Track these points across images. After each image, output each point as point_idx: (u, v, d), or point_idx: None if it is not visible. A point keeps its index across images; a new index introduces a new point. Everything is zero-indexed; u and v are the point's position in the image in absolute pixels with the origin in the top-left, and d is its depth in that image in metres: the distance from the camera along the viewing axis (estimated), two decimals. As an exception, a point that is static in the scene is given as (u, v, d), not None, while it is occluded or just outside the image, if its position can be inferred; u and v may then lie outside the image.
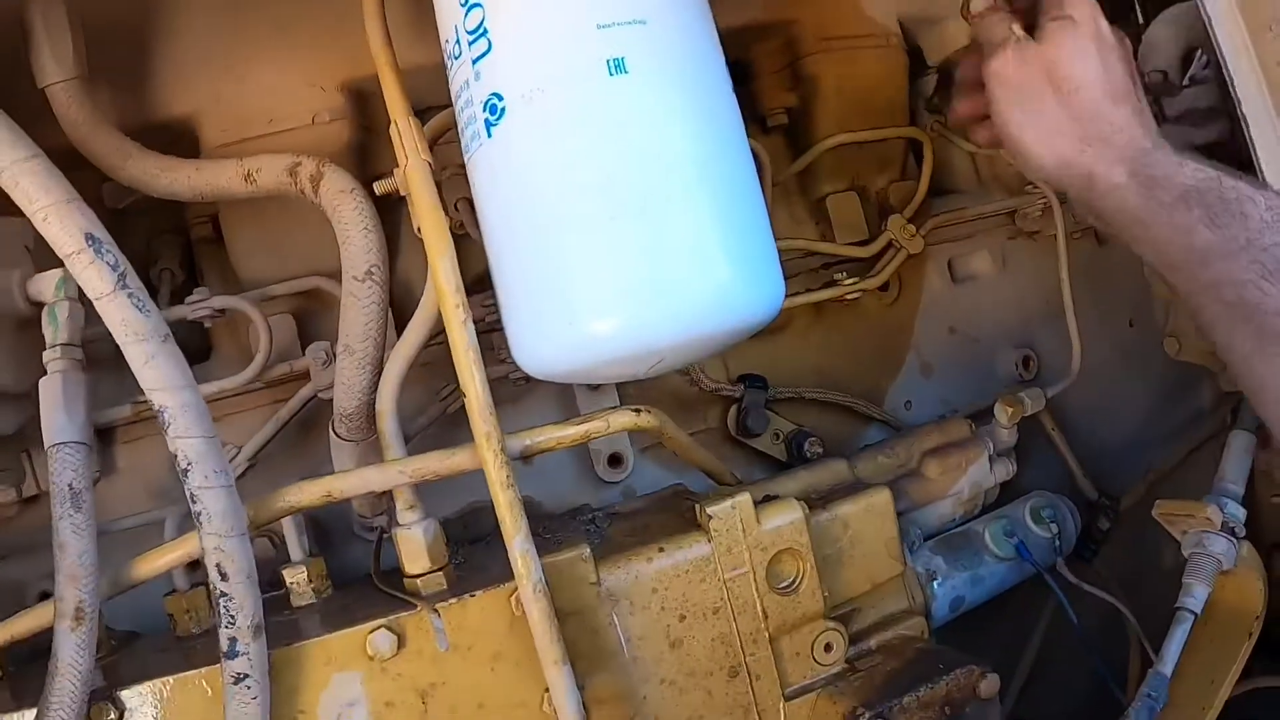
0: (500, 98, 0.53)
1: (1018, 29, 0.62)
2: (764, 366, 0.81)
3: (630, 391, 0.78)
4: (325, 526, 0.76)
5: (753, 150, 0.79)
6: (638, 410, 0.60)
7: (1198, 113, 0.78)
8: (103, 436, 0.74)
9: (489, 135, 0.54)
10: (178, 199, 0.67)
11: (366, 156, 0.74)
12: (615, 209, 0.51)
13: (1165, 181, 0.57)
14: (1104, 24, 0.61)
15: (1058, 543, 0.77)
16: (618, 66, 0.51)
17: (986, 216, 0.90)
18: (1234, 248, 0.54)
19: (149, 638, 0.68)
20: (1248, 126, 0.69)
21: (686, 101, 0.53)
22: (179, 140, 0.71)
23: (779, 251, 0.83)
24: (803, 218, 0.87)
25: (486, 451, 0.55)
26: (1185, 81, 0.79)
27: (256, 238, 0.73)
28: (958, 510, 0.77)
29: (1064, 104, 0.60)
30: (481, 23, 0.54)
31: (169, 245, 0.78)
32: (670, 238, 0.51)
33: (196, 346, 0.77)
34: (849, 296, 0.82)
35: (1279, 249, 0.53)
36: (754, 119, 0.87)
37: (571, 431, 0.59)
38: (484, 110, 0.54)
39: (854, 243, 0.84)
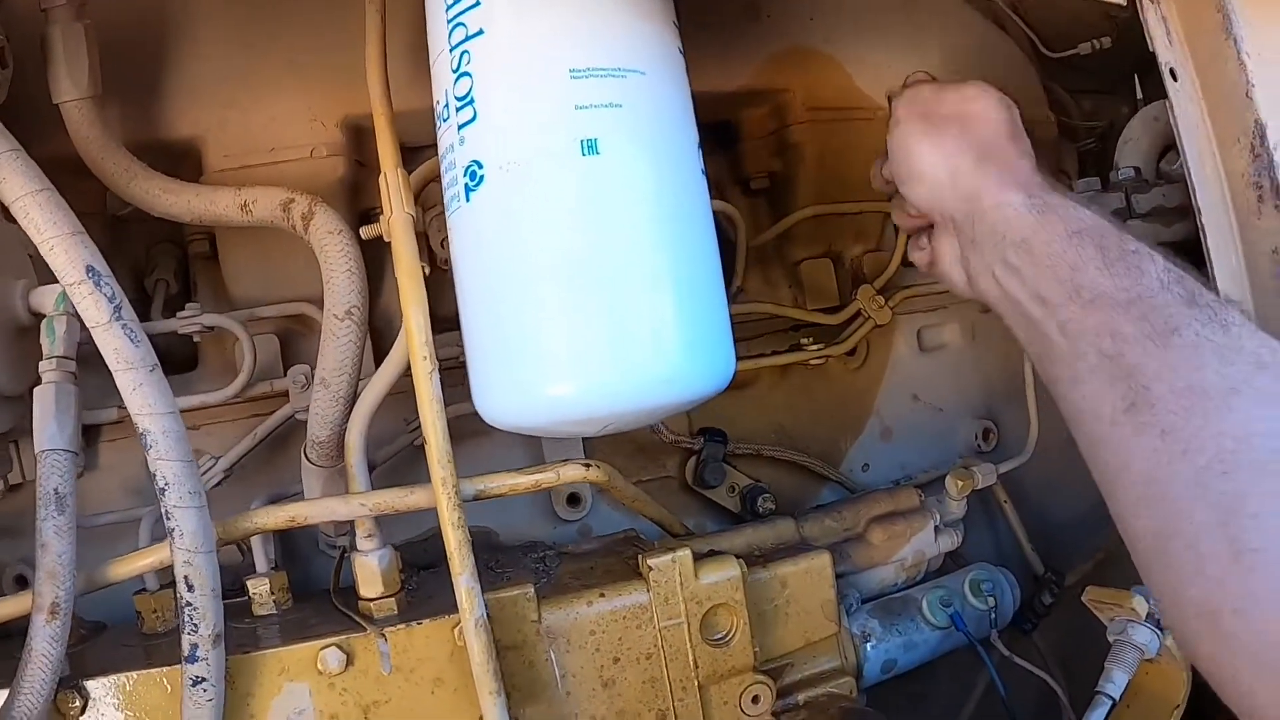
0: (481, 165, 0.60)
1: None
2: (726, 421, 0.88)
3: (595, 438, 0.84)
4: (293, 539, 0.83)
5: (727, 214, 0.87)
6: (587, 464, 0.67)
7: (1167, 211, 0.83)
8: (88, 434, 0.81)
9: (467, 200, 0.60)
10: (177, 220, 0.74)
11: (360, 190, 0.81)
12: (578, 282, 0.58)
13: (1061, 213, 0.55)
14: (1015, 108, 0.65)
15: (993, 615, 0.83)
16: (590, 147, 0.58)
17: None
18: (1124, 298, 0.50)
19: (116, 630, 0.75)
20: (1205, 236, 0.74)
21: (654, 184, 0.59)
22: (183, 159, 0.79)
23: (749, 315, 0.90)
24: (777, 280, 0.93)
25: (441, 495, 0.62)
26: (1157, 178, 0.84)
27: (249, 260, 0.79)
28: (900, 576, 0.84)
29: (967, 131, 0.61)
30: (469, 91, 0.60)
31: (166, 256, 0.85)
32: (628, 314, 0.58)
33: (185, 355, 0.84)
34: (813, 362, 0.88)
35: (1171, 313, 0.49)
36: (737, 180, 0.94)
37: (523, 480, 0.66)
38: (465, 175, 0.60)
39: (824, 309, 0.91)
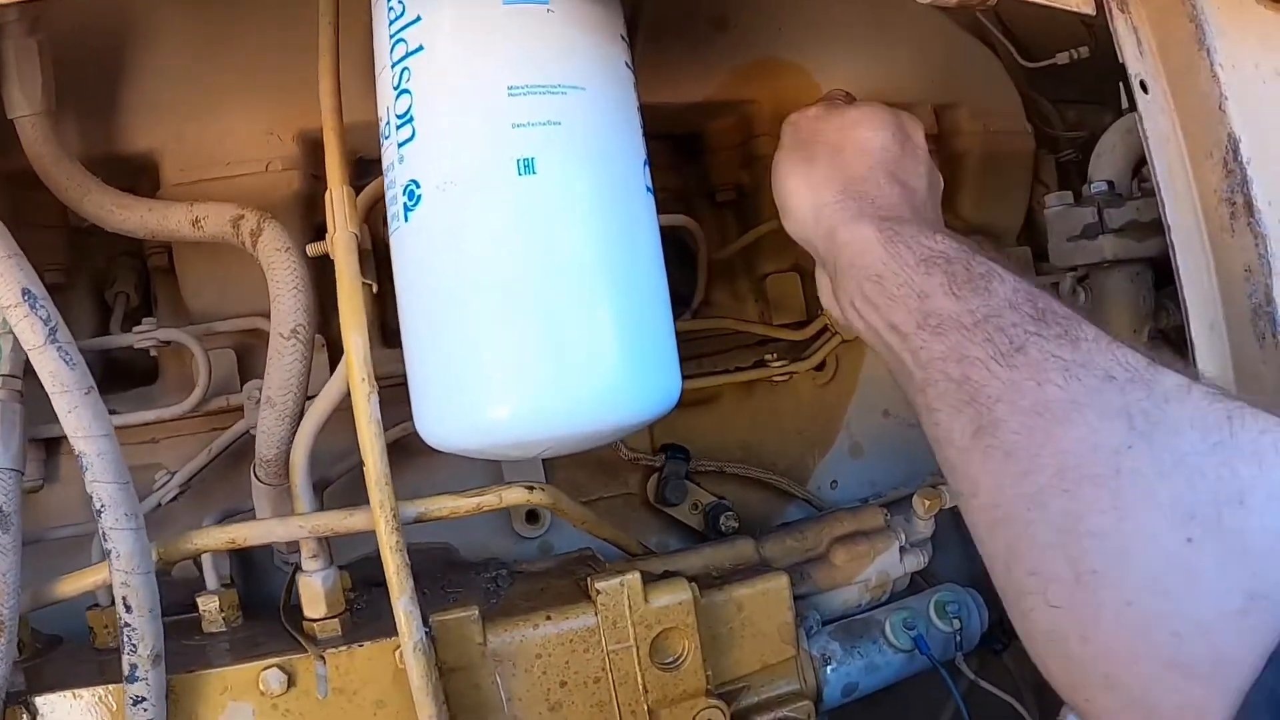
0: (418, 185, 0.59)
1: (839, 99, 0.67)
2: (690, 438, 0.87)
3: (554, 452, 0.83)
4: (252, 555, 0.83)
5: (688, 227, 0.85)
6: (531, 487, 0.66)
7: (1141, 225, 0.81)
8: (48, 446, 0.81)
9: (406, 219, 0.60)
10: (132, 235, 0.73)
11: (315, 205, 0.80)
12: (515, 304, 0.57)
13: (911, 242, 0.55)
14: (914, 127, 0.65)
15: (959, 638, 0.82)
16: (527, 166, 0.57)
17: (930, 305, 0.94)
18: (970, 321, 0.50)
19: (70, 645, 0.76)
20: (1175, 253, 0.72)
21: (593, 203, 0.58)
22: (141, 174, 0.78)
23: (713, 330, 0.89)
24: (744, 294, 0.92)
25: (380, 517, 0.61)
26: (1134, 192, 0.82)
27: (205, 274, 0.79)
28: (864, 596, 0.82)
29: (837, 162, 0.62)
30: (409, 109, 0.59)
31: (126, 269, 0.85)
32: (566, 336, 0.57)
33: (145, 368, 0.84)
34: (778, 378, 0.87)
35: (1017, 332, 0.48)
36: (704, 193, 0.92)
37: (464, 503, 0.65)
38: (404, 194, 0.60)
39: (790, 324, 0.89)
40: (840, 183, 0.61)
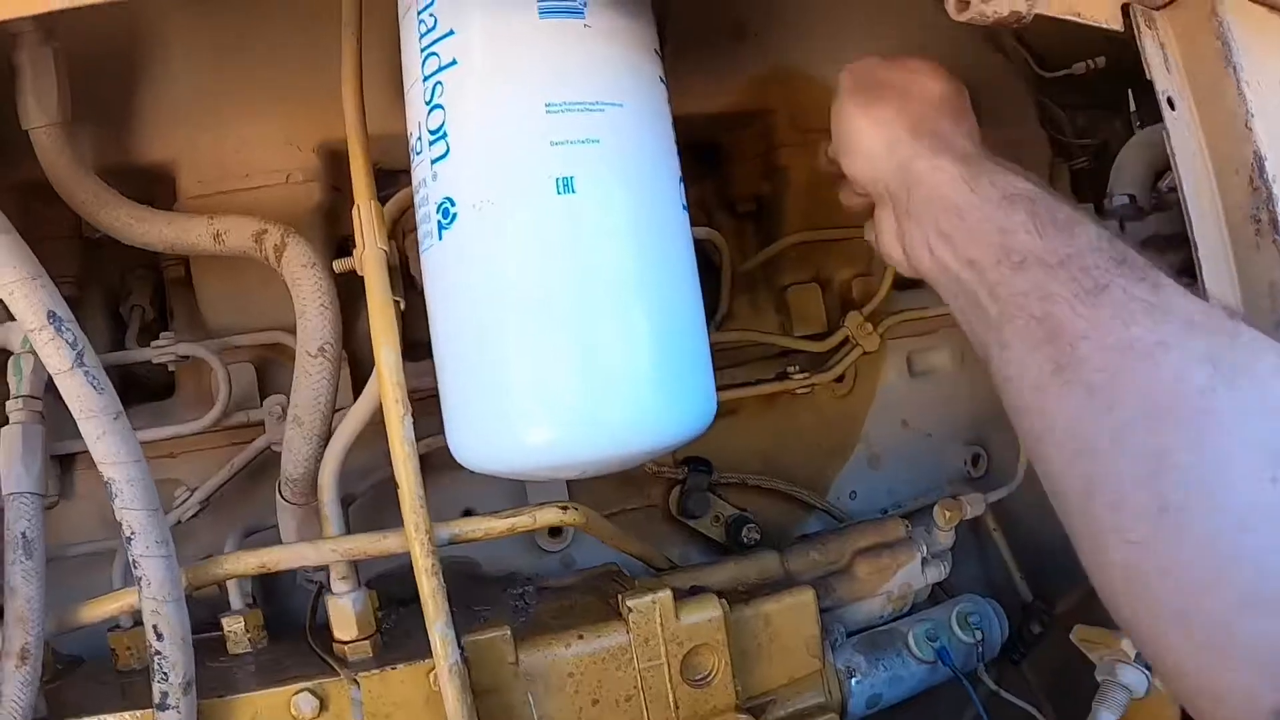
0: (453, 203, 0.58)
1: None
2: (711, 450, 0.86)
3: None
4: (273, 574, 0.81)
5: (711, 240, 0.84)
6: (565, 507, 0.65)
7: (1162, 239, 0.81)
8: (63, 462, 0.79)
9: (440, 238, 0.58)
10: (149, 249, 0.72)
11: (336, 217, 0.79)
12: (552, 325, 0.56)
13: (994, 177, 0.54)
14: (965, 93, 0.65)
15: (980, 649, 0.82)
16: (566, 185, 0.56)
17: (947, 314, 0.93)
18: (1054, 260, 0.49)
19: (91, 665, 0.74)
20: (1200, 268, 0.72)
21: (631, 223, 0.57)
22: (157, 183, 0.77)
23: (734, 342, 0.88)
24: (764, 306, 0.91)
25: (414, 541, 0.60)
26: (1152, 203, 0.82)
27: (224, 288, 0.77)
28: (887, 608, 0.82)
29: (906, 102, 0.61)
30: (442, 125, 0.58)
31: (141, 281, 0.83)
32: (605, 359, 0.56)
33: (162, 382, 0.82)
34: (799, 390, 0.86)
35: (1101, 273, 0.48)
36: (724, 204, 0.91)
37: (499, 524, 0.64)
38: (437, 212, 0.58)
39: (811, 336, 0.89)
40: (911, 119, 0.60)
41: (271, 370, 0.80)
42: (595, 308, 0.56)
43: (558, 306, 0.56)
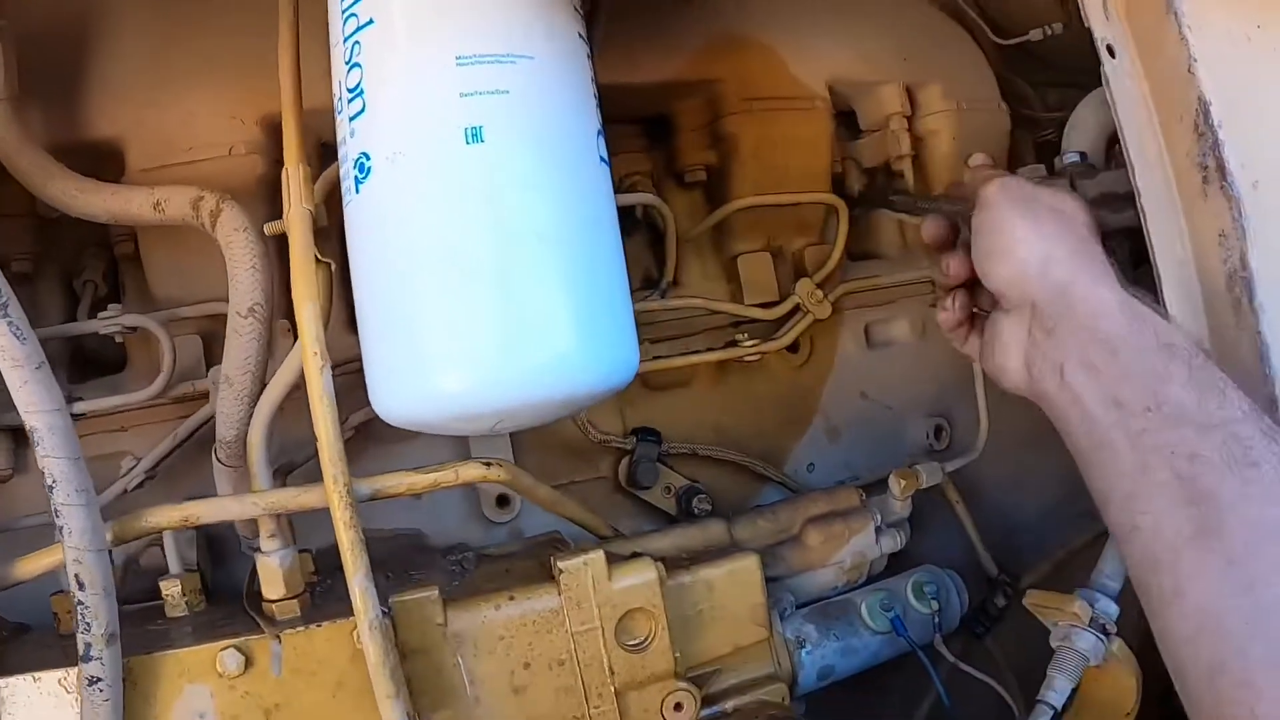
0: (368, 157, 0.59)
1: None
2: (663, 420, 0.86)
3: (524, 437, 0.83)
4: (222, 541, 0.83)
5: (656, 207, 0.85)
6: (488, 463, 0.65)
7: (1115, 197, 0.80)
8: (17, 436, 0.81)
9: (357, 192, 0.60)
10: (95, 220, 0.74)
11: (279, 189, 0.80)
12: (465, 273, 0.57)
13: (1154, 322, 0.55)
14: None
15: (937, 620, 0.80)
16: (474, 135, 0.57)
17: (905, 284, 0.93)
18: (1207, 421, 0.49)
19: (37, 632, 0.76)
20: (1146, 220, 0.71)
21: (542, 171, 0.58)
22: (106, 160, 0.79)
23: (682, 310, 0.88)
24: (714, 275, 0.91)
25: (333, 494, 0.61)
26: (1108, 163, 0.81)
27: (170, 260, 0.79)
28: (840, 579, 0.81)
29: (1066, 224, 0.60)
30: (359, 83, 0.60)
31: (94, 258, 0.85)
32: (516, 305, 0.57)
33: (114, 357, 0.84)
34: (748, 358, 0.86)
35: (1253, 445, 0.48)
36: (672, 174, 0.92)
37: (420, 479, 0.64)
38: (355, 168, 0.60)
39: (761, 304, 0.89)
40: (1071, 242, 0.60)
41: (217, 341, 0.81)
42: (505, 254, 0.57)
43: (469, 254, 0.57)
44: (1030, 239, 0.60)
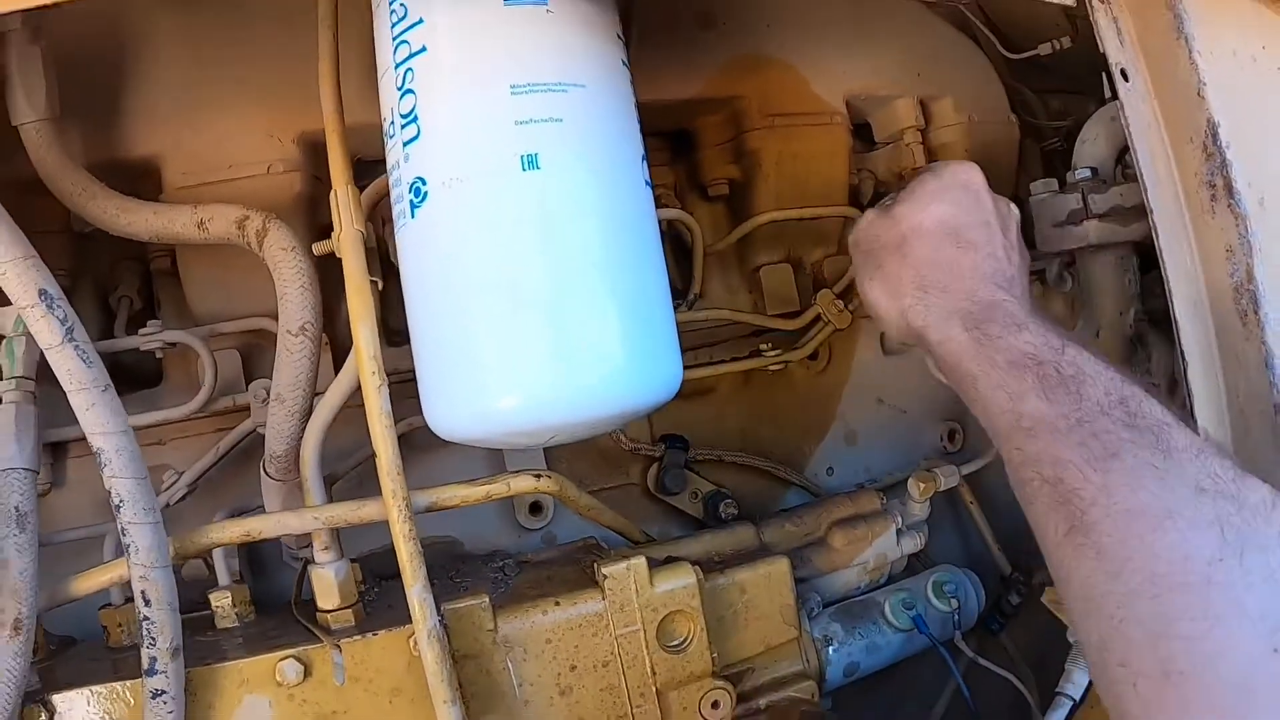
0: (424, 182, 0.62)
1: (888, 200, 0.70)
2: (689, 427, 0.90)
3: (557, 446, 0.86)
4: (260, 552, 0.85)
5: (683, 221, 0.88)
6: (538, 475, 0.68)
7: (1125, 210, 0.85)
8: (55, 451, 0.83)
9: (413, 216, 0.62)
10: (136, 239, 0.76)
11: (318, 206, 0.83)
12: (520, 297, 0.59)
13: (1000, 343, 0.58)
14: (972, 176, 0.68)
15: (957, 617, 0.85)
16: (530, 162, 0.60)
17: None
18: (1064, 425, 0.52)
19: (84, 645, 0.78)
20: (1157, 235, 0.75)
21: (595, 196, 0.61)
22: (144, 177, 0.81)
23: (708, 321, 0.92)
24: (737, 286, 0.95)
25: (392, 507, 0.64)
26: (1118, 178, 0.86)
27: (209, 276, 0.81)
28: (863, 579, 0.85)
29: (904, 255, 0.65)
30: (413, 109, 0.62)
31: (129, 273, 0.87)
32: (570, 327, 0.60)
33: (150, 371, 0.86)
34: (772, 367, 0.90)
35: (1110, 438, 0.51)
36: (696, 187, 0.96)
37: (474, 491, 0.68)
38: (409, 192, 0.62)
39: (783, 314, 0.92)
40: (912, 279, 0.64)
41: (256, 356, 0.84)
42: (560, 277, 0.60)
43: (524, 278, 0.60)
44: (881, 299, 0.66)
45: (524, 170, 0.60)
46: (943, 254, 0.64)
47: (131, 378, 0.86)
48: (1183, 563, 0.46)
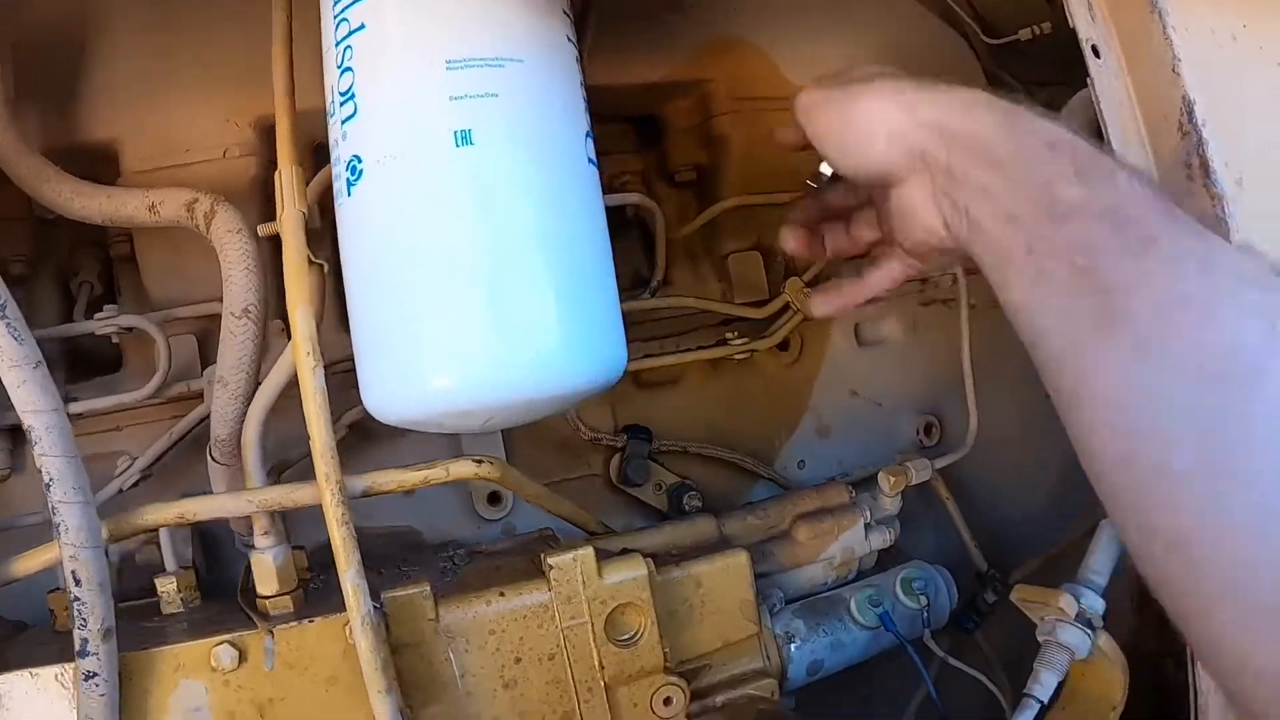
0: (360, 160, 0.61)
1: None
2: (654, 418, 0.88)
3: (516, 434, 0.85)
4: (217, 539, 0.85)
5: (646, 206, 0.87)
6: (479, 460, 0.67)
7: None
8: (15, 435, 0.83)
9: (349, 194, 0.61)
10: (91, 222, 0.75)
11: (274, 191, 0.82)
12: (454, 274, 0.58)
13: (1034, 124, 0.51)
14: None
15: (926, 615, 0.82)
16: (464, 138, 0.59)
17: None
18: (1098, 209, 0.47)
19: (34, 629, 0.78)
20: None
21: (531, 173, 0.60)
22: (102, 162, 0.81)
23: (673, 309, 0.90)
24: (706, 274, 0.93)
25: (325, 491, 0.62)
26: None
27: (166, 261, 0.81)
28: (829, 575, 0.83)
29: (891, 77, 0.58)
30: (351, 87, 0.61)
31: (90, 259, 0.87)
32: (505, 306, 0.58)
33: (111, 357, 0.86)
34: (738, 356, 0.88)
35: (1148, 225, 0.46)
36: (663, 174, 0.94)
37: (411, 476, 0.66)
38: (346, 170, 0.62)
39: (751, 302, 0.90)
40: (911, 84, 0.56)
41: (212, 341, 0.83)
42: (495, 255, 0.59)
43: (458, 254, 0.58)
44: (877, 104, 0.56)
45: (457, 146, 0.59)
46: (932, 81, 0.56)
47: (91, 364, 0.86)
48: (1231, 353, 0.42)
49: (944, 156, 0.54)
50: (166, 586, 0.72)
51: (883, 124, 0.56)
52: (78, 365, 0.86)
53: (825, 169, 0.67)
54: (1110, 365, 0.45)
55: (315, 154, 0.82)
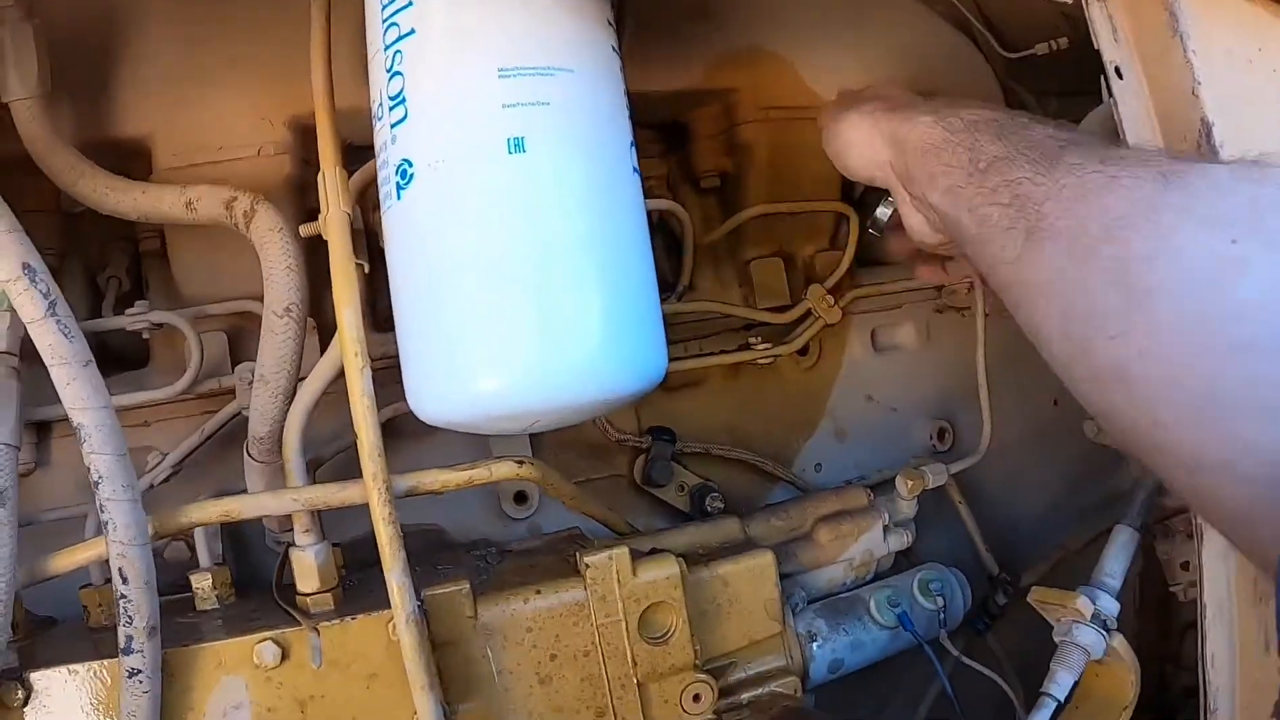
0: (410, 164, 0.62)
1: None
2: (677, 420, 0.90)
3: (543, 435, 0.86)
4: (245, 536, 0.85)
5: (673, 212, 0.88)
6: (520, 461, 0.68)
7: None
8: (39, 430, 0.83)
9: (399, 198, 0.62)
10: (124, 218, 0.76)
11: (307, 189, 0.82)
12: (503, 280, 0.60)
13: (960, 113, 0.61)
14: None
15: (943, 616, 0.84)
16: (517, 145, 0.60)
17: (912, 290, 0.97)
18: (1014, 153, 0.55)
19: (65, 625, 0.78)
20: (1149, 235, 0.75)
21: (581, 181, 0.61)
22: (134, 157, 0.81)
23: (698, 314, 0.92)
24: (728, 279, 0.95)
25: (373, 490, 0.63)
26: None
27: (197, 258, 0.81)
28: (849, 575, 0.85)
29: (878, 95, 0.70)
30: (401, 91, 0.62)
31: (118, 253, 0.87)
32: (553, 311, 0.60)
33: (138, 352, 0.86)
34: (760, 360, 0.90)
35: (1052, 146, 0.54)
36: (688, 180, 0.96)
37: (456, 476, 0.67)
38: (396, 173, 0.62)
39: (773, 308, 0.92)
40: (888, 102, 0.68)
41: (243, 339, 0.84)
42: (543, 261, 0.60)
43: (507, 260, 0.60)
44: (853, 119, 0.69)
45: (510, 153, 0.60)
46: (915, 98, 0.70)
47: (119, 359, 0.86)
48: (1130, 205, 0.48)
49: (901, 162, 0.65)
50: (202, 583, 0.73)
51: (853, 141, 0.69)
52: (105, 360, 0.85)
53: (880, 213, 0.75)
54: (1040, 262, 0.51)
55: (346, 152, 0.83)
